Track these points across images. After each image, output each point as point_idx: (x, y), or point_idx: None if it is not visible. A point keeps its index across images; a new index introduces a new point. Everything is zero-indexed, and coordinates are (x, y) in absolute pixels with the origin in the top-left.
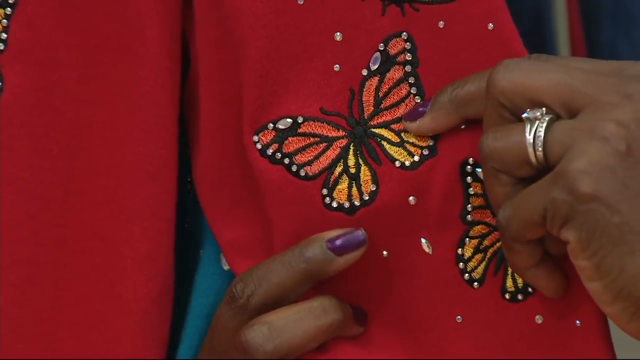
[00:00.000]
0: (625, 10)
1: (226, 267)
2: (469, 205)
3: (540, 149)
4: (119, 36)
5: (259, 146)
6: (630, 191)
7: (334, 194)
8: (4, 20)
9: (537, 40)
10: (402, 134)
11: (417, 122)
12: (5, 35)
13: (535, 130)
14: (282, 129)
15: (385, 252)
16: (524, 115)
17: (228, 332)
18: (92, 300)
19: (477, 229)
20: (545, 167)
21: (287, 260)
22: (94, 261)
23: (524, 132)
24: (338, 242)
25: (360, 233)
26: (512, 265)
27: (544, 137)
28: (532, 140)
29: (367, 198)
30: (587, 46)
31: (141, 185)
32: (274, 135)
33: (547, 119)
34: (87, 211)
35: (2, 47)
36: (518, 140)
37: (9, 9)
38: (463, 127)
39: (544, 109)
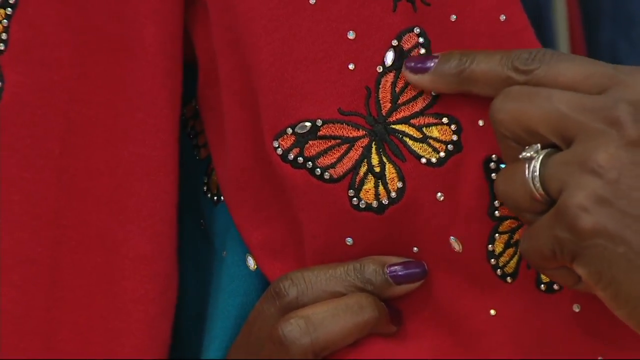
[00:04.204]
0: (625, 10)
1: (253, 268)
2: (496, 202)
3: (539, 187)
4: (118, 36)
5: (279, 151)
6: (629, 217)
7: (361, 195)
8: (5, 21)
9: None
10: (424, 129)
11: (417, 76)
12: (6, 36)
13: (532, 169)
14: (302, 133)
15: (415, 249)
16: (521, 155)
17: (269, 327)
18: (91, 300)
19: (507, 224)
20: (554, 201)
21: (342, 274)
22: (94, 261)
23: (524, 172)
24: (400, 272)
25: (422, 267)
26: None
27: (539, 175)
28: (531, 180)
29: (394, 196)
30: (587, 46)
31: (139, 185)
32: (294, 140)
33: (541, 155)
34: (87, 211)
35: (2, 48)
36: (521, 181)
37: (9, 9)
38: (482, 123)
39: (538, 145)
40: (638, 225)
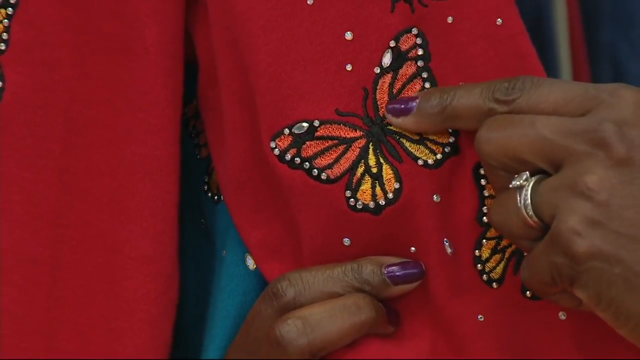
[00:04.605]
0: (625, 10)
1: (252, 268)
2: (485, 207)
3: (532, 214)
4: (119, 36)
5: (276, 152)
6: (623, 237)
7: (358, 195)
8: (5, 20)
9: (537, 40)
10: None
11: (400, 119)
12: (7, 36)
13: (523, 197)
14: (299, 134)
15: (413, 249)
16: (511, 185)
17: (266, 328)
18: (93, 300)
19: (494, 230)
20: (548, 227)
21: (340, 274)
22: (95, 261)
23: (516, 200)
24: (398, 273)
25: (420, 267)
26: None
27: (531, 202)
28: (523, 208)
29: (391, 196)
30: (587, 46)
31: (141, 185)
32: (291, 140)
33: (531, 183)
34: (89, 211)
35: (3, 47)
36: (514, 210)
37: (10, 9)
38: None
39: (527, 173)
40: (633, 244)
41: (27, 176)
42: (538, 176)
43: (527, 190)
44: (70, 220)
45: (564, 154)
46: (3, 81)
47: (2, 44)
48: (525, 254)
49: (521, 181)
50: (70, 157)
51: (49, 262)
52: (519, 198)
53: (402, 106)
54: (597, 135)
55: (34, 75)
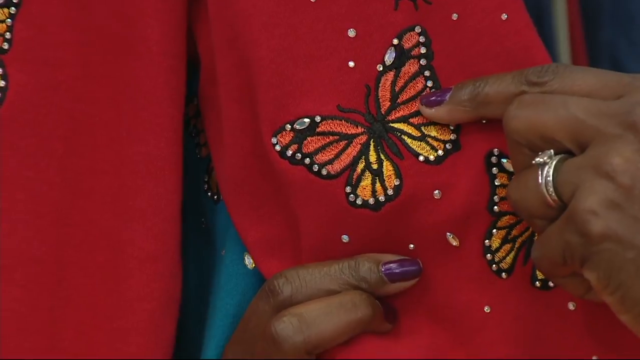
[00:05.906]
0: (625, 9)
1: (251, 266)
2: (496, 197)
3: (552, 192)
4: (122, 35)
5: (278, 148)
6: None
7: (358, 191)
8: (9, 20)
9: None
10: (422, 128)
11: (434, 109)
12: (10, 35)
13: (545, 174)
14: (300, 130)
15: (411, 245)
16: (534, 161)
17: (263, 325)
18: (96, 299)
19: (505, 220)
20: (566, 207)
21: (337, 272)
22: (99, 260)
23: (537, 178)
24: (396, 270)
25: (417, 265)
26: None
27: (552, 180)
28: (544, 185)
29: (391, 193)
30: (587, 45)
31: (144, 184)
32: (292, 136)
33: (554, 161)
34: (92, 210)
35: (6, 47)
36: (534, 187)
37: (13, 8)
38: (484, 120)
39: (552, 150)
40: None
41: (30, 175)
42: (562, 155)
43: (549, 167)
44: (73, 220)
45: (593, 135)
46: (6, 80)
47: (5, 43)
48: (535, 237)
49: (545, 158)
50: (73, 156)
51: (51, 261)
52: (540, 175)
53: (437, 97)
54: (629, 118)
55: (37, 75)
